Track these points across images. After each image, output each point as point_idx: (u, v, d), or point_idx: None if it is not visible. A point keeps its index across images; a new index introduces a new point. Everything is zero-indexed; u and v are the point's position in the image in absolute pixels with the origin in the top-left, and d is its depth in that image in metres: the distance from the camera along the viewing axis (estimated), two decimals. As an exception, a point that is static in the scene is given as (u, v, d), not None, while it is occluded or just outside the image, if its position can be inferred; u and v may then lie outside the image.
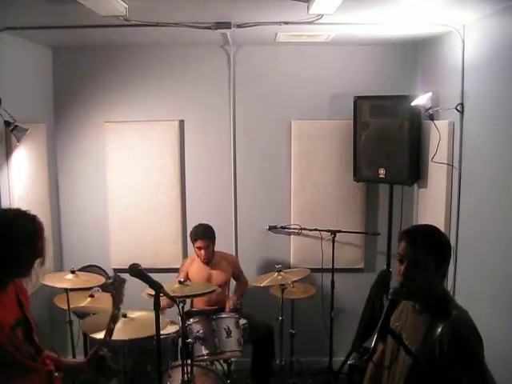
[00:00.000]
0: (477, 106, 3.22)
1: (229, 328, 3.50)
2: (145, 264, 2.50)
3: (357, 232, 4.35)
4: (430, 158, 3.69)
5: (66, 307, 3.47)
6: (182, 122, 4.39)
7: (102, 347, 2.12)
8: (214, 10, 3.06)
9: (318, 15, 3.03)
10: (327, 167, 4.37)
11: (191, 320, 3.52)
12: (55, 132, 4.39)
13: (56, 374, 2.06)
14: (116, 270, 4.22)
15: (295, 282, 3.89)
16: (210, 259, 4.02)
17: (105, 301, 3.52)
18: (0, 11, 2.96)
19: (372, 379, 2.16)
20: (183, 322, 3.31)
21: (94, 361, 2.10)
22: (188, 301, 3.73)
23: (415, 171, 3.93)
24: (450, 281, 3.37)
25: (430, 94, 3.62)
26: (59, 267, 4.32)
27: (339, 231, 4.20)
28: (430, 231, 1.95)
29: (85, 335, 3.70)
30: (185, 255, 4.42)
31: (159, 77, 4.35)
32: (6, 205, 3.38)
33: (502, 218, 2.86)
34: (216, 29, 3.38)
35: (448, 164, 3.51)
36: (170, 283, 3.36)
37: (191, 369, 3.25)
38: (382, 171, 3.95)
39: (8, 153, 3.52)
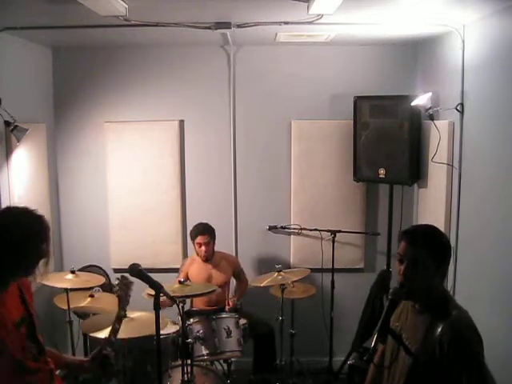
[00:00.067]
0: (477, 106, 3.22)
1: (229, 328, 3.50)
2: (145, 264, 2.50)
3: (357, 232, 4.35)
4: (430, 158, 3.69)
5: (66, 307, 3.47)
6: (182, 122, 4.39)
7: (105, 346, 2.12)
8: (214, 9, 3.06)
9: (318, 15, 3.03)
10: (327, 167, 4.37)
11: (191, 320, 3.52)
12: (55, 132, 4.39)
13: (57, 372, 2.06)
14: (116, 270, 4.27)
15: (295, 281, 3.89)
16: (210, 257, 4.02)
17: (105, 301, 3.53)
18: (0, 11, 2.96)
19: (372, 380, 2.16)
20: (183, 322, 3.31)
21: (98, 359, 2.10)
22: (188, 301, 3.74)
23: (415, 171, 3.93)
24: (450, 281, 3.37)
25: (430, 94, 3.62)
26: (59, 267, 4.32)
27: (339, 231, 4.20)
28: (430, 231, 1.94)
29: (85, 335, 3.70)
30: (185, 255, 4.42)
31: (159, 77, 4.35)
32: (6, 205, 3.38)
33: (502, 218, 2.86)
34: (216, 29, 3.38)
35: (448, 164, 3.51)
36: (169, 283, 3.37)
37: (191, 369, 3.25)
38: (382, 171, 3.95)
39: (8, 153, 3.52)
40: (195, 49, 4.31)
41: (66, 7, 2.84)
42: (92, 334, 3.08)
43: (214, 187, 4.46)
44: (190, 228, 4.12)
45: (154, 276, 2.43)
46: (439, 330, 1.76)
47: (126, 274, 2.37)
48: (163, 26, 3.29)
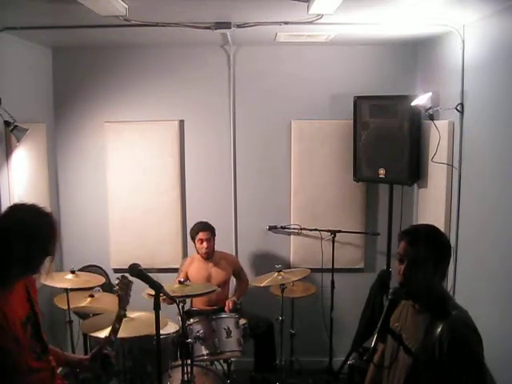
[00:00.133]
0: (477, 106, 3.22)
1: (229, 328, 3.50)
2: (145, 264, 2.50)
3: (357, 232, 4.35)
4: (430, 158, 3.69)
5: (66, 307, 3.47)
6: (181, 122, 4.39)
7: (105, 346, 2.12)
8: (213, 9, 3.06)
9: (318, 15, 3.02)
10: (327, 167, 4.37)
11: (191, 320, 3.52)
12: (55, 132, 4.39)
13: (58, 370, 2.06)
14: (116, 270, 4.27)
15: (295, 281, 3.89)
16: (211, 254, 4.04)
17: (105, 301, 3.53)
18: (0, 11, 2.96)
19: (372, 380, 2.16)
20: (183, 322, 3.31)
21: (98, 358, 2.10)
22: (188, 300, 3.74)
23: (415, 171, 3.93)
24: (449, 281, 3.37)
25: (429, 93, 3.62)
26: (59, 267, 4.32)
27: (339, 231, 4.20)
28: (430, 231, 1.95)
29: (85, 335, 3.70)
30: (184, 255, 4.42)
31: (159, 77, 4.35)
32: (6, 205, 3.38)
33: (502, 218, 2.85)
34: (216, 29, 3.38)
35: (448, 164, 3.51)
36: (169, 283, 3.37)
37: (191, 369, 3.25)
38: (381, 171, 3.95)
39: (8, 153, 3.52)
40: (195, 49, 4.31)
41: (66, 7, 2.84)
42: (92, 334, 3.08)
43: (214, 187, 4.46)
44: (189, 228, 4.13)
45: (154, 276, 2.43)
46: (439, 329, 1.76)
47: (126, 274, 2.37)
48: (163, 25, 3.29)
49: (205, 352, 3.43)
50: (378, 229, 4.41)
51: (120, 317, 2.21)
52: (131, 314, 3.10)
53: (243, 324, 3.67)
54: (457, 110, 3.38)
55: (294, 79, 4.34)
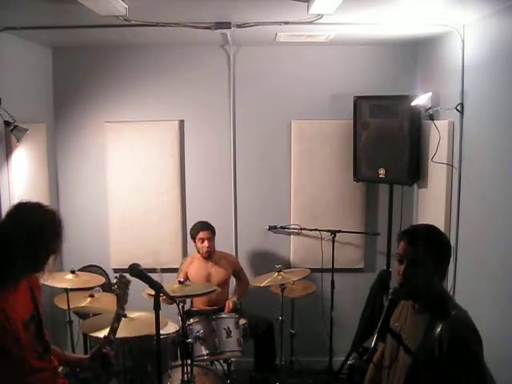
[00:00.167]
0: (477, 106, 3.22)
1: (229, 328, 3.50)
2: (145, 264, 2.50)
3: (357, 232, 4.35)
4: (430, 158, 3.69)
5: (66, 307, 3.47)
6: (181, 122, 4.39)
7: (105, 345, 2.13)
8: (213, 9, 3.07)
9: (318, 15, 3.03)
10: (327, 167, 4.37)
11: (191, 320, 3.52)
12: (55, 132, 4.39)
13: (59, 369, 2.06)
14: (116, 270, 4.27)
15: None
16: (212, 253, 4.04)
17: (105, 301, 3.53)
18: (0, 11, 2.96)
19: (372, 380, 2.16)
20: (183, 322, 3.31)
21: (97, 358, 2.10)
22: (188, 300, 3.74)
23: (415, 171, 3.93)
24: (449, 281, 3.37)
25: (429, 93, 3.62)
26: (59, 267, 4.31)
27: (339, 231, 4.20)
28: (430, 231, 1.95)
29: (85, 335, 3.70)
30: (184, 255, 4.42)
31: (159, 77, 4.35)
32: (6, 205, 3.38)
33: (502, 218, 2.85)
34: (216, 29, 3.38)
35: (448, 164, 3.51)
36: (169, 283, 3.37)
37: (191, 369, 3.25)
38: (381, 171, 3.95)
39: (8, 153, 3.52)
40: (195, 49, 4.31)
41: (66, 7, 2.84)
42: (92, 334, 3.08)
43: (214, 187, 4.46)
44: (189, 228, 4.13)
45: (154, 276, 2.43)
46: (438, 329, 1.76)
47: (124, 273, 2.36)
48: (163, 25, 3.29)
49: (205, 352, 3.43)
50: (377, 229, 4.41)
51: (119, 316, 2.21)
52: (131, 314, 3.10)
53: (243, 324, 3.67)
54: (457, 110, 3.38)
55: (294, 79, 4.34)
